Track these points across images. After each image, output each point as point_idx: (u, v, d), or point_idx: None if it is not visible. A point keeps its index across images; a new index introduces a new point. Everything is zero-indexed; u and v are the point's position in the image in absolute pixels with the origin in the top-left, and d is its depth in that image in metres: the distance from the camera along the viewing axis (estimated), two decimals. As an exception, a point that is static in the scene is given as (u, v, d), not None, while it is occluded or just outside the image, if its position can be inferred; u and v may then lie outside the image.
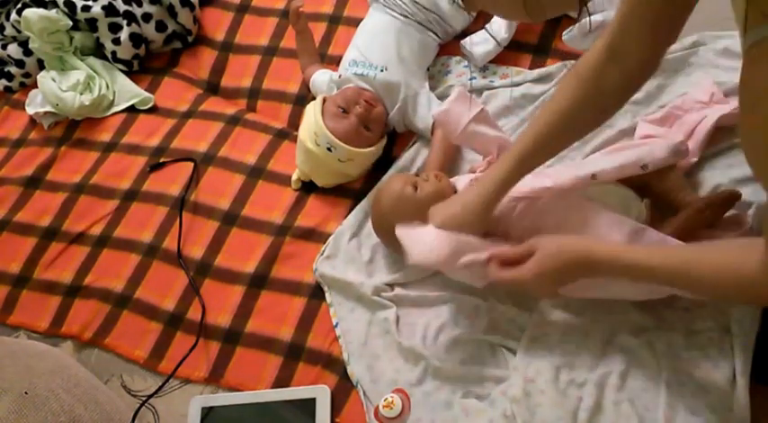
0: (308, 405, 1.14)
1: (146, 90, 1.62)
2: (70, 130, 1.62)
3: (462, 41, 1.41)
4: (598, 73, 0.92)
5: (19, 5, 1.66)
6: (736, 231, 1.02)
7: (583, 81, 0.94)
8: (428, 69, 1.43)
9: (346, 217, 1.32)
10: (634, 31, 0.87)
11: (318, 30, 1.55)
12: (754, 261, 0.75)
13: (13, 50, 1.68)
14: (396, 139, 1.40)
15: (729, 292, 0.83)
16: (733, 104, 1.15)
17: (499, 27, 1.39)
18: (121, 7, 1.61)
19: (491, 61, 1.41)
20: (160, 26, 1.62)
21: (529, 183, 1.11)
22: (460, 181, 1.20)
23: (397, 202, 1.17)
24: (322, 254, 1.28)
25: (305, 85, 1.49)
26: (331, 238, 1.29)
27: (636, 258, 0.88)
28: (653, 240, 1.00)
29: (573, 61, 1.34)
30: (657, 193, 1.10)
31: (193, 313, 1.29)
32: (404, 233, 1.05)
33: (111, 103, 1.62)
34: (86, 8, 1.59)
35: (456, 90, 1.23)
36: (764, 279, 0.75)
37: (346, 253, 1.26)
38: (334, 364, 1.18)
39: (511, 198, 1.10)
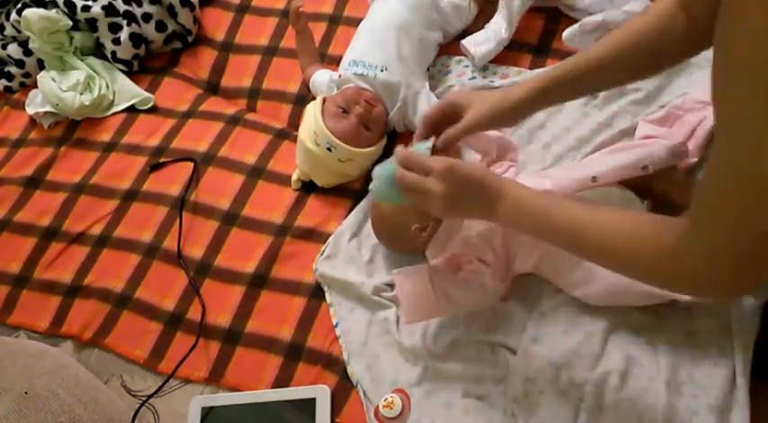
0: (308, 405, 1.14)
1: (146, 90, 1.62)
2: (70, 130, 1.62)
3: (462, 41, 1.41)
4: (668, 16, 0.88)
5: (19, 5, 1.66)
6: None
7: (653, 20, 0.90)
8: (428, 69, 1.43)
9: (346, 217, 1.32)
10: None
11: (318, 30, 1.55)
12: (673, 231, 0.69)
13: (13, 50, 1.68)
14: (396, 139, 1.39)
15: (644, 262, 0.74)
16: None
17: (499, 27, 1.39)
18: (121, 7, 1.61)
19: (491, 61, 1.41)
20: (160, 26, 1.62)
21: (530, 185, 1.11)
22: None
23: (393, 207, 1.17)
24: (322, 254, 1.28)
25: (305, 85, 1.49)
26: (331, 238, 1.29)
27: (542, 207, 0.82)
28: None
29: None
30: (658, 194, 1.09)
31: (193, 313, 1.29)
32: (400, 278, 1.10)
33: (111, 103, 1.61)
34: (86, 8, 1.59)
35: (454, 90, 1.23)
36: (682, 249, 0.67)
37: (346, 253, 1.26)
38: (334, 364, 1.18)
39: None
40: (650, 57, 0.93)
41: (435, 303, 1.07)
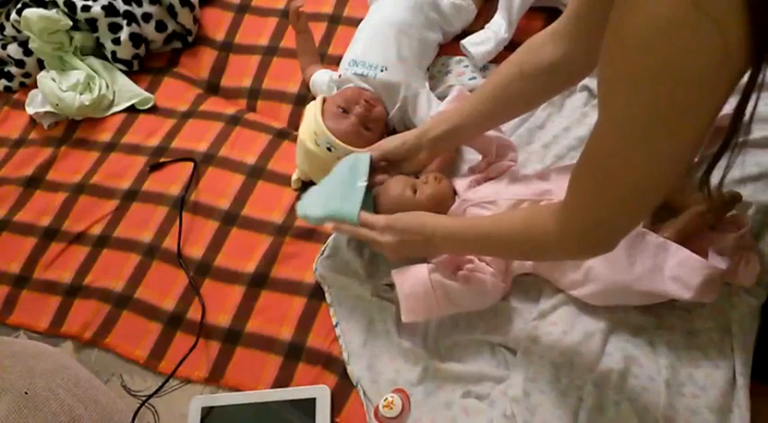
0: (308, 405, 1.14)
1: (146, 90, 1.62)
2: (70, 130, 1.62)
3: (462, 41, 1.41)
4: (537, 51, 1.00)
5: (19, 5, 1.66)
6: (737, 232, 1.02)
7: (521, 54, 1.03)
8: (428, 69, 1.43)
9: (346, 217, 1.32)
10: (580, 20, 0.94)
11: (318, 30, 1.55)
12: (547, 220, 0.84)
13: (13, 50, 1.68)
14: (396, 139, 1.39)
15: (528, 250, 0.93)
16: (733, 104, 1.15)
17: (499, 27, 1.39)
18: (121, 7, 1.61)
19: (491, 61, 1.41)
20: (160, 26, 1.62)
21: (531, 185, 1.11)
22: (460, 182, 1.20)
23: (396, 206, 1.17)
24: (322, 254, 1.28)
25: (305, 85, 1.49)
26: (331, 238, 1.29)
27: (460, 232, 1.01)
28: (653, 245, 1.00)
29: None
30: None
31: (193, 313, 1.29)
32: (398, 273, 1.11)
33: (111, 103, 1.62)
34: (86, 8, 1.59)
35: (455, 90, 1.23)
36: (554, 233, 0.83)
37: (346, 253, 1.26)
38: (334, 364, 1.18)
39: (513, 200, 1.10)
40: (535, 88, 1.04)
41: (435, 303, 1.07)
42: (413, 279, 1.08)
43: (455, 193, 1.19)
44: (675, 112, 0.64)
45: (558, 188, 1.08)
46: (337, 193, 1.15)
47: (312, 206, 1.18)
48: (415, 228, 1.04)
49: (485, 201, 1.14)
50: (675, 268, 0.98)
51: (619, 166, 0.71)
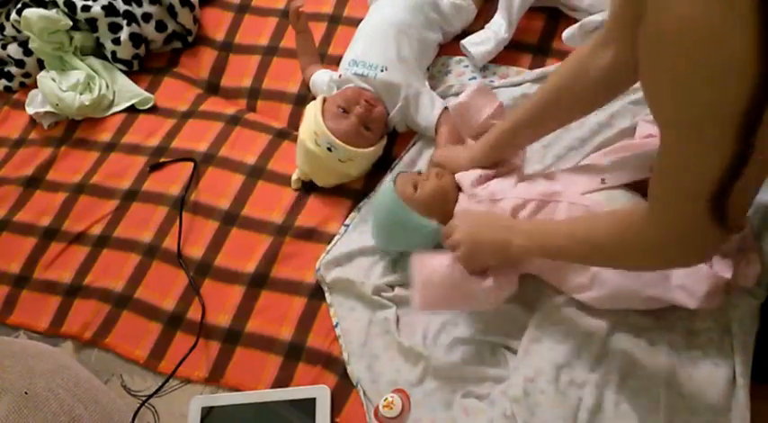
0: (308, 405, 1.14)
1: (146, 90, 1.62)
2: (70, 130, 1.62)
3: (462, 41, 1.41)
4: (591, 55, 0.98)
5: (19, 5, 1.66)
6: (737, 233, 1.01)
7: (575, 60, 1.02)
8: (428, 69, 1.43)
9: (346, 217, 1.32)
10: (621, 23, 0.91)
11: (318, 30, 1.55)
12: (639, 217, 0.82)
13: (13, 50, 1.68)
14: (396, 138, 1.39)
15: (627, 250, 0.87)
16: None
17: (499, 27, 1.39)
18: (121, 7, 1.61)
19: (491, 61, 1.41)
20: (160, 26, 1.62)
21: (539, 186, 1.10)
22: (466, 178, 1.19)
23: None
24: (327, 253, 1.28)
25: (305, 85, 1.49)
26: (334, 239, 1.29)
27: (540, 230, 1.00)
28: None
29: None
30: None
31: (193, 313, 1.29)
32: (416, 259, 1.08)
33: (111, 103, 1.62)
34: (86, 8, 1.59)
35: (476, 83, 1.21)
36: (647, 229, 0.81)
37: (349, 254, 1.26)
38: (334, 364, 1.18)
39: (520, 200, 1.09)
40: (577, 98, 1.04)
41: (452, 291, 1.04)
42: (434, 265, 1.05)
43: (460, 189, 1.18)
44: (717, 107, 0.64)
45: (566, 189, 1.07)
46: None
47: (383, 238, 1.23)
48: (488, 215, 1.08)
49: (492, 198, 1.12)
50: (682, 276, 0.97)
51: (686, 173, 0.71)
